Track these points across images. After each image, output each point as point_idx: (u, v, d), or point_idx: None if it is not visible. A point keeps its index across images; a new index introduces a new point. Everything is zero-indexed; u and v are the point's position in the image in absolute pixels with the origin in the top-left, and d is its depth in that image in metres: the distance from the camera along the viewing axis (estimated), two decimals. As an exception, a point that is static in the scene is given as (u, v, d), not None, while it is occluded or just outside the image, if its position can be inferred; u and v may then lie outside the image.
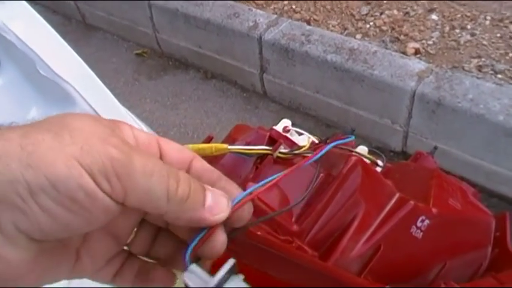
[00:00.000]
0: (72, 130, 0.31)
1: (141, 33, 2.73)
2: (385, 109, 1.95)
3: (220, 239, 0.36)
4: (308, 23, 2.31)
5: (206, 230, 0.36)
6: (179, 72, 2.62)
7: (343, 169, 0.61)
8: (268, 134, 0.64)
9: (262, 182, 0.41)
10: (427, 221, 0.64)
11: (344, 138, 0.59)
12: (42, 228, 0.30)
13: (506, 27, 2.18)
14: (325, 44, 2.06)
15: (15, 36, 0.56)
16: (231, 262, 0.36)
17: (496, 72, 1.96)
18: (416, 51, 2.12)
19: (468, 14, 2.29)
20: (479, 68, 1.99)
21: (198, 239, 0.36)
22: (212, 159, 0.64)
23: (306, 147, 0.62)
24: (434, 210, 0.64)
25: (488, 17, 2.25)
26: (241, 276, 0.37)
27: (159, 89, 2.52)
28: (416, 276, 0.66)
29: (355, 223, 0.61)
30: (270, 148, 0.61)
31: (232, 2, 2.38)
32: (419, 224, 0.63)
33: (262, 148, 0.61)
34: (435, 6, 2.33)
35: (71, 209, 0.30)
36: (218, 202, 0.35)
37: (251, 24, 2.23)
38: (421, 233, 0.64)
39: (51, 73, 0.59)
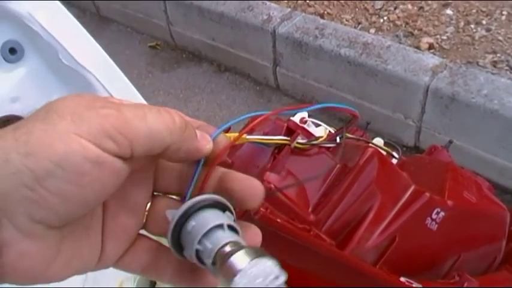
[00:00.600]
0: (57, 110, 0.30)
1: (155, 25, 2.74)
2: (398, 104, 1.95)
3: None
4: (322, 16, 2.31)
5: (199, 169, 0.37)
6: (192, 64, 2.63)
7: (359, 160, 0.62)
8: (285, 124, 0.65)
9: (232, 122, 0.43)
10: (442, 213, 0.64)
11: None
12: (57, 212, 0.30)
13: (522, 22, 2.17)
14: (339, 38, 2.06)
15: (40, 26, 0.57)
16: (217, 196, 0.36)
17: (511, 68, 1.95)
18: (430, 46, 2.11)
19: (484, 9, 2.27)
20: (494, 63, 1.98)
21: (196, 175, 0.37)
22: (230, 149, 0.65)
23: (323, 138, 0.62)
24: (449, 202, 0.65)
25: (505, 12, 2.23)
26: (228, 214, 0.36)
27: (172, 82, 2.53)
28: (431, 268, 0.67)
29: (371, 214, 0.62)
30: (288, 138, 0.62)
31: (246, -5, 2.39)
32: (434, 216, 0.64)
33: (280, 138, 0.62)
34: (450, 0, 2.31)
35: (80, 183, 0.29)
36: (203, 135, 0.36)
37: (265, 17, 2.23)
38: (436, 225, 0.64)
39: (74, 62, 0.60)
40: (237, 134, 0.61)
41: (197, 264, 0.35)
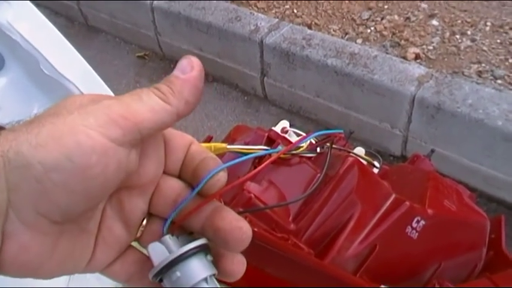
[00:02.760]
0: (66, 106, 0.32)
1: (143, 35, 2.75)
2: (384, 113, 1.96)
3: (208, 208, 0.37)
4: (309, 27, 2.32)
5: (186, 201, 0.37)
6: (180, 74, 2.63)
7: (339, 169, 0.62)
8: (266, 134, 0.65)
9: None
10: (422, 222, 0.65)
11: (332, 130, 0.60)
12: (60, 206, 0.30)
13: (506, 33, 2.19)
14: (326, 48, 2.07)
15: (20, 36, 0.57)
16: (202, 240, 0.37)
17: (495, 78, 1.97)
18: (417, 56, 2.13)
19: (468, 19, 2.30)
20: (479, 73, 2.01)
21: (179, 207, 0.37)
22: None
23: (303, 148, 0.63)
24: (429, 211, 0.65)
25: (489, 23, 2.26)
26: (209, 258, 0.37)
27: (161, 92, 2.53)
28: (412, 276, 0.67)
29: (351, 223, 0.63)
30: (268, 148, 0.62)
31: (234, 5, 2.40)
32: (414, 224, 0.64)
33: (260, 148, 0.62)
34: (436, 11, 2.34)
35: (86, 177, 0.30)
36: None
37: (252, 27, 2.25)
38: (417, 234, 0.65)
39: (55, 72, 0.60)
40: (219, 144, 0.62)
41: None
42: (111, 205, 0.37)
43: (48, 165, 0.29)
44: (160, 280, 0.37)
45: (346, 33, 2.33)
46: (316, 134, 0.52)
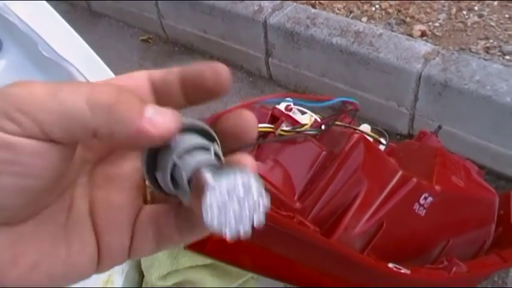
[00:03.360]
0: None
1: (146, 19, 2.73)
2: (391, 92, 1.95)
3: None
4: (313, 6, 2.29)
5: None
6: (185, 57, 2.62)
7: (345, 146, 0.62)
8: (270, 112, 0.65)
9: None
10: (430, 198, 0.64)
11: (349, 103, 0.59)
12: None
13: (514, 8, 2.16)
14: (331, 27, 2.05)
15: (17, 18, 0.56)
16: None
17: (503, 54, 1.94)
18: (423, 34, 2.10)
19: (476, -6, 2.26)
20: (487, 49, 1.98)
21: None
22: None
23: (308, 125, 0.62)
24: (437, 187, 0.65)
25: (497, -3, 2.22)
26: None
27: (165, 75, 2.52)
28: (420, 254, 0.67)
29: (358, 200, 0.62)
30: (272, 126, 0.61)
31: (237, -14, 2.37)
32: (422, 201, 0.64)
33: (264, 126, 0.61)
34: (442, -13, 2.31)
35: None
36: (163, 113, 0.27)
37: (256, 8, 2.22)
38: (424, 210, 0.64)
39: (54, 54, 0.59)
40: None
41: (166, 190, 0.29)
42: (94, 185, 0.31)
43: None
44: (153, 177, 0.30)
45: (351, 12, 2.30)
46: (336, 100, 0.51)
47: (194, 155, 0.28)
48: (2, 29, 0.57)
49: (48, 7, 0.61)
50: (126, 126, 0.26)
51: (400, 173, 0.65)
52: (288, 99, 0.77)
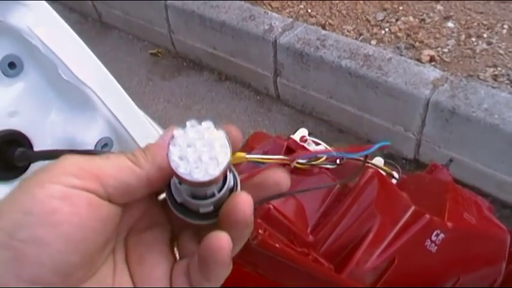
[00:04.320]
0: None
1: (156, 33, 2.75)
2: (398, 116, 1.95)
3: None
4: (323, 27, 2.31)
5: None
6: (193, 73, 2.63)
7: (360, 181, 0.62)
8: (285, 143, 0.65)
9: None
10: (441, 235, 0.64)
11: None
12: (45, 264, 0.28)
13: (522, 37, 2.17)
14: (340, 49, 2.06)
15: (40, 41, 0.56)
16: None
17: (511, 82, 1.95)
18: (431, 59, 2.11)
19: (485, 22, 2.27)
20: (495, 77, 1.98)
21: None
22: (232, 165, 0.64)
23: (323, 159, 0.62)
24: (449, 224, 0.64)
25: (506, 26, 2.23)
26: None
27: (173, 90, 2.53)
28: (430, 290, 0.66)
29: (370, 235, 0.62)
30: (288, 158, 0.62)
31: (248, 4, 2.39)
32: (433, 237, 0.64)
33: (279, 158, 0.61)
34: (451, 13, 2.32)
35: (52, 222, 0.28)
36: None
37: (266, 27, 2.24)
38: (436, 247, 0.64)
39: (73, 78, 0.60)
40: (238, 153, 0.61)
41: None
42: (129, 249, 0.34)
43: (9, 227, 0.27)
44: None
45: (361, 34, 2.31)
46: (372, 149, 0.51)
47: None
48: (24, 52, 0.58)
49: (68, 29, 0.62)
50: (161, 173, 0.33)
51: (412, 208, 0.65)
52: (303, 129, 0.77)
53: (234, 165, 0.62)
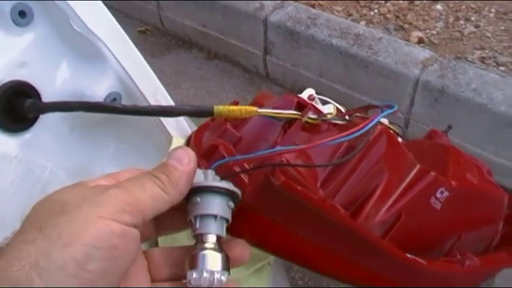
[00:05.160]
0: (68, 201, 0.36)
1: (145, 10, 2.72)
2: (388, 95, 1.97)
3: None
4: (313, 7, 2.31)
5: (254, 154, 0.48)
6: (182, 51, 2.62)
7: (369, 137, 0.62)
8: (296, 99, 0.65)
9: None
10: (446, 193, 0.65)
11: (387, 108, 0.60)
12: None
13: (510, 20, 2.20)
14: (331, 28, 2.07)
15: (52, -11, 0.56)
16: (233, 188, 0.45)
17: (498, 65, 1.98)
18: (420, 40, 2.13)
19: (473, 5, 2.30)
20: (482, 59, 2.01)
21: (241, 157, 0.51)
22: (242, 119, 0.65)
23: (334, 114, 0.62)
24: (453, 182, 0.66)
25: (493, 10, 2.26)
26: (230, 204, 0.45)
27: (162, 68, 2.51)
28: (433, 247, 0.68)
29: (378, 191, 0.62)
30: (299, 113, 0.62)
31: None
32: (438, 195, 0.65)
33: (291, 112, 0.62)
34: (441, -4, 2.34)
35: (114, 256, 0.34)
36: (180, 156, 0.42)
37: (257, 5, 2.23)
38: (440, 205, 0.65)
39: (85, 29, 0.59)
40: (249, 107, 0.61)
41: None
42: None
43: (81, 259, 0.32)
44: (186, 199, 0.43)
45: (350, 15, 2.32)
46: (380, 117, 0.53)
47: (203, 222, 0.43)
48: (35, 1, 0.57)
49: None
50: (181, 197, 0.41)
51: (418, 166, 0.66)
52: (311, 90, 0.78)
53: (244, 118, 0.63)
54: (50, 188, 0.62)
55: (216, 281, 0.40)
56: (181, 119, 0.73)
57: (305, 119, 0.61)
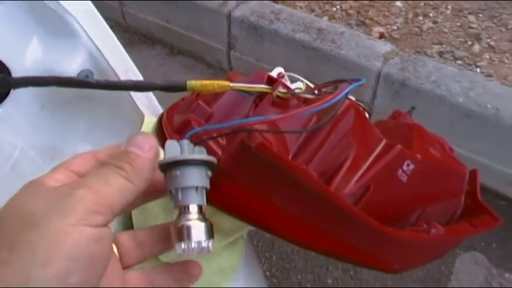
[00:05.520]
0: (34, 213, 0.33)
1: (106, 5, 2.69)
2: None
3: None
4: (276, 2, 2.34)
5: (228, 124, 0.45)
6: (145, 47, 2.60)
7: (337, 110, 0.64)
8: (266, 75, 0.67)
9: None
10: (412, 166, 0.67)
11: (354, 81, 0.62)
12: None
13: (465, 17, 2.27)
14: (294, 22, 2.09)
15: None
16: (210, 158, 0.45)
17: (455, 59, 2.04)
18: (381, 36, 2.18)
19: (431, 2, 2.36)
20: (441, 53, 2.07)
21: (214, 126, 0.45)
22: (213, 96, 0.66)
23: (303, 89, 0.64)
24: (418, 156, 0.68)
25: (449, 7, 2.33)
26: (209, 174, 0.45)
27: (124, 63, 2.49)
28: (400, 219, 0.70)
29: (347, 163, 0.65)
30: (270, 87, 0.63)
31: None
32: (405, 167, 0.67)
33: (262, 87, 0.63)
34: (400, -7, 2.40)
35: (94, 263, 0.33)
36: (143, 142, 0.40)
37: (221, 0, 2.24)
38: (406, 177, 0.67)
39: (57, 5, 0.59)
40: (221, 81, 0.62)
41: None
42: None
43: (62, 274, 0.31)
44: (164, 171, 0.43)
45: (312, 11, 2.36)
46: (348, 89, 0.55)
47: (184, 194, 0.43)
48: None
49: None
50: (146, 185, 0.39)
51: (384, 141, 0.68)
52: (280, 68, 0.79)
53: (217, 93, 0.64)
54: (20, 167, 0.62)
55: (203, 250, 0.41)
56: (153, 98, 0.73)
57: (276, 92, 0.62)
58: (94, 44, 0.64)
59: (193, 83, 0.60)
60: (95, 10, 0.65)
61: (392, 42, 2.13)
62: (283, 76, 0.71)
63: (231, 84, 0.61)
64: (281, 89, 0.63)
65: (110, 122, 0.70)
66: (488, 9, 2.28)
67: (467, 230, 0.70)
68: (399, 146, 0.67)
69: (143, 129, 0.68)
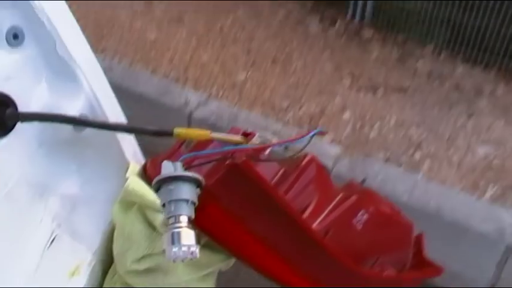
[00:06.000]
0: None
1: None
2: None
3: None
4: (234, 106, 2.50)
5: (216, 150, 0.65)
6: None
7: (302, 162, 0.74)
8: (241, 131, 0.77)
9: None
10: (366, 215, 0.77)
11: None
12: None
13: (407, 129, 2.49)
14: (251, 124, 2.24)
15: (47, 17, 0.65)
16: (198, 176, 0.57)
17: (400, 164, 2.21)
18: (332, 141, 2.35)
19: (376, 114, 2.58)
20: (387, 159, 2.24)
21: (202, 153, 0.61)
22: (192, 148, 0.75)
23: (274, 142, 0.74)
24: (371, 207, 0.78)
25: (393, 119, 2.55)
26: (198, 191, 0.57)
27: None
28: (357, 264, 0.78)
29: (310, 208, 0.73)
30: (245, 138, 0.73)
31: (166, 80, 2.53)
32: (359, 217, 0.76)
33: (239, 137, 0.73)
34: (348, 104, 2.61)
35: None
36: None
37: (182, 101, 2.38)
38: (361, 225, 0.76)
39: (67, 54, 0.68)
40: (203, 131, 0.71)
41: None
42: None
43: None
44: (157, 190, 0.54)
45: (267, 118, 2.52)
46: (314, 133, 0.66)
47: (176, 205, 0.54)
48: (27, 25, 0.65)
49: (68, 11, 0.71)
50: None
51: (342, 194, 0.78)
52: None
53: (199, 142, 0.73)
54: (12, 197, 0.68)
55: (193, 254, 0.50)
56: (138, 148, 0.82)
57: (249, 144, 0.72)
58: (93, 92, 0.72)
59: (179, 130, 0.69)
60: (96, 61, 0.74)
61: (342, 147, 2.29)
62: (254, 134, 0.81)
63: (212, 135, 0.71)
64: (255, 140, 0.73)
65: (98, 166, 0.77)
66: (427, 122, 2.51)
67: (416, 274, 0.79)
68: (355, 197, 0.77)
69: (128, 175, 0.75)
